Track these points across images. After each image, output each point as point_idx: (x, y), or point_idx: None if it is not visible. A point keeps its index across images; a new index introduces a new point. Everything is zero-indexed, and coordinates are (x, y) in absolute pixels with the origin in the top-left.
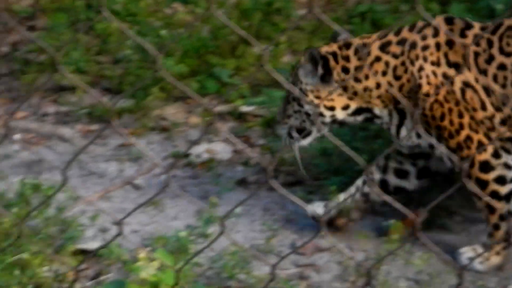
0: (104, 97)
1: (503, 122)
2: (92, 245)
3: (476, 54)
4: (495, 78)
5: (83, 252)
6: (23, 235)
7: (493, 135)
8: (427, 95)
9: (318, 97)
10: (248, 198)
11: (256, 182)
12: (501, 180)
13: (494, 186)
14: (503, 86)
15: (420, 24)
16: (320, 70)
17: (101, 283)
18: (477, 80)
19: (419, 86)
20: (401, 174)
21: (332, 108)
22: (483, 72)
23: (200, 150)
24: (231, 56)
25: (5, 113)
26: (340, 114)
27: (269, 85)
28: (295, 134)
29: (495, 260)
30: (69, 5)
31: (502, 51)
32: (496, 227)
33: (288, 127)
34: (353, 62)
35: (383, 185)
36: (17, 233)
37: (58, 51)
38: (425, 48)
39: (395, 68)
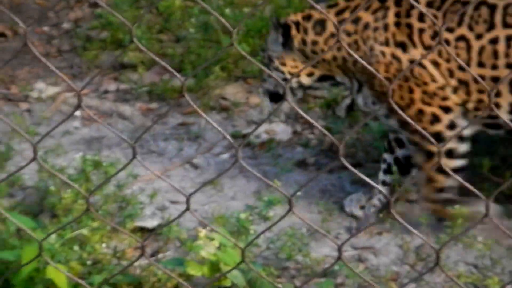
0: (165, 75)
1: (455, 90)
2: (151, 223)
3: (421, 31)
4: (439, 54)
5: (142, 229)
6: (85, 210)
7: (450, 103)
8: (372, 75)
9: (283, 64)
10: (310, 180)
11: (315, 164)
12: (449, 154)
13: (444, 159)
14: (447, 60)
15: (375, 5)
16: (280, 38)
17: (159, 260)
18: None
19: (370, 64)
20: (401, 143)
21: (297, 75)
22: (428, 48)
23: (260, 131)
24: None
25: (67, 89)
26: (305, 80)
27: None
28: (268, 98)
29: None
30: None
31: (446, 27)
32: (433, 200)
33: (263, 91)
34: (310, 36)
35: (397, 162)
36: (85, 207)
37: (119, 29)
38: (375, 29)
39: (348, 46)
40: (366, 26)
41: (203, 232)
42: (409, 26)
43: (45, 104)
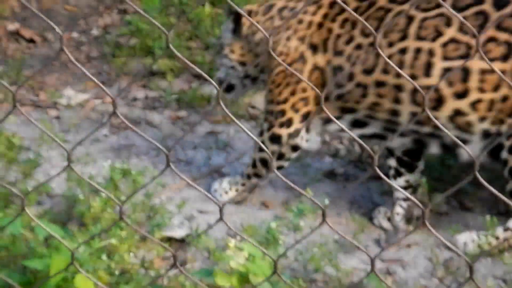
0: (194, 83)
1: (339, 96)
2: (179, 232)
3: (338, 36)
4: (348, 58)
5: (170, 239)
6: (118, 219)
7: (311, 109)
8: (275, 65)
9: (232, 51)
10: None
11: (344, 174)
12: (280, 155)
13: (271, 157)
14: (353, 64)
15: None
16: (230, 24)
17: (188, 271)
18: (329, 62)
19: (275, 51)
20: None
21: (243, 63)
22: (339, 53)
23: None
24: None
25: (94, 96)
26: (251, 71)
27: None
28: (220, 86)
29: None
30: None
31: (363, 32)
32: (248, 176)
33: (216, 79)
34: (246, 24)
35: (401, 162)
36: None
37: (148, 36)
38: (300, 22)
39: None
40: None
41: (232, 242)
42: (330, 31)
43: (73, 111)
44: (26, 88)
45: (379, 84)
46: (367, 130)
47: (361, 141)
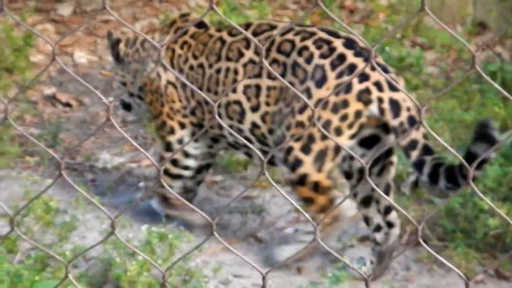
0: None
1: (192, 112)
2: None
3: (179, 56)
4: (187, 76)
5: None
6: (161, 286)
7: (187, 121)
8: (145, 84)
9: (116, 73)
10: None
11: None
12: (174, 162)
13: (168, 165)
14: (191, 82)
15: (166, 27)
16: (110, 50)
17: None
18: (177, 78)
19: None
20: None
21: (124, 84)
22: (181, 71)
23: None
24: None
25: (130, 160)
26: (133, 90)
27: None
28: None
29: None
30: None
31: (193, 54)
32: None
33: (119, 100)
34: (122, 50)
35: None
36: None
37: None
38: (155, 48)
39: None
40: (152, 46)
41: None
42: (173, 51)
43: (109, 174)
44: (62, 151)
45: (205, 101)
46: (220, 145)
47: (401, 209)
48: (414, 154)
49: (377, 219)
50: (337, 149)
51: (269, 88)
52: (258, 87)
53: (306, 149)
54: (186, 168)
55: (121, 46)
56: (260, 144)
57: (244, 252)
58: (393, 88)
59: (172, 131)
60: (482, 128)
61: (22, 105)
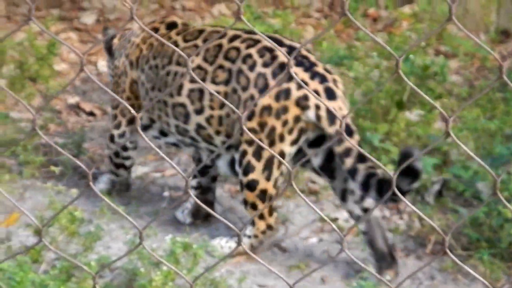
0: None
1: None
2: None
3: (144, 56)
4: (146, 76)
5: None
6: None
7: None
8: (113, 76)
9: (109, 67)
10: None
11: (404, 249)
12: (115, 153)
13: (111, 154)
14: (148, 81)
15: (149, 25)
16: (104, 44)
17: None
18: (139, 77)
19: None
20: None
21: (112, 76)
22: (143, 70)
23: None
24: (383, 121)
25: (154, 170)
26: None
27: (420, 151)
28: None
29: None
30: None
31: (153, 56)
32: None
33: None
34: (115, 45)
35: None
36: None
37: None
38: (129, 42)
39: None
40: (129, 40)
41: None
42: (141, 51)
43: (134, 184)
44: (86, 160)
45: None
46: (169, 139)
47: (427, 219)
48: (349, 162)
49: (357, 210)
50: (282, 156)
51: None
52: (201, 92)
53: (257, 155)
54: (127, 158)
55: (115, 41)
56: (206, 144)
57: (269, 262)
58: (330, 97)
59: (118, 126)
60: (406, 158)
61: (46, 114)
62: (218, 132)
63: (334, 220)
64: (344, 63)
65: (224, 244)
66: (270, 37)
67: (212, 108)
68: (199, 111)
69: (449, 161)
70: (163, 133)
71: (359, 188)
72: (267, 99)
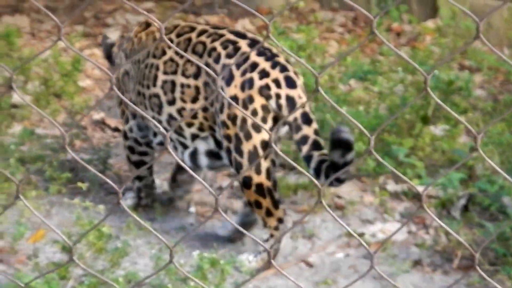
0: (279, 172)
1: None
2: None
3: (134, 50)
4: (132, 69)
5: None
6: None
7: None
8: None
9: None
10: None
11: (431, 265)
12: (130, 149)
13: (127, 151)
14: (133, 75)
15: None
16: (103, 52)
17: None
18: (130, 69)
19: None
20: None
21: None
22: (133, 62)
23: (375, 230)
24: (408, 135)
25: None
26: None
27: (445, 165)
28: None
29: None
30: None
31: (138, 50)
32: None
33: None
34: (114, 52)
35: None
36: None
37: None
38: (127, 39)
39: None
40: (128, 38)
41: None
42: (133, 44)
43: (160, 199)
44: (112, 176)
45: (138, 92)
46: (158, 139)
47: (457, 236)
48: (305, 149)
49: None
50: (265, 145)
51: (182, 85)
52: (173, 83)
53: (238, 151)
54: (145, 154)
55: (114, 49)
56: (176, 135)
57: (296, 277)
58: (290, 85)
59: (126, 121)
60: (334, 134)
61: (71, 130)
62: (190, 125)
63: (361, 235)
64: (368, 78)
65: (251, 259)
66: (233, 32)
67: (183, 100)
68: (171, 102)
69: (474, 176)
70: (154, 134)
71: (312, 173)
72: (233, 89)
